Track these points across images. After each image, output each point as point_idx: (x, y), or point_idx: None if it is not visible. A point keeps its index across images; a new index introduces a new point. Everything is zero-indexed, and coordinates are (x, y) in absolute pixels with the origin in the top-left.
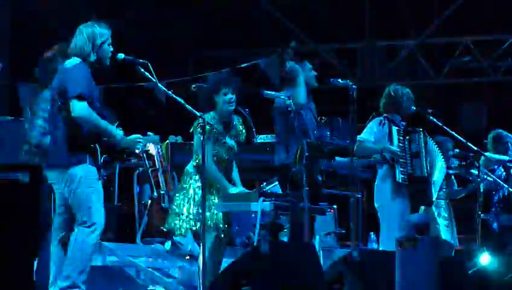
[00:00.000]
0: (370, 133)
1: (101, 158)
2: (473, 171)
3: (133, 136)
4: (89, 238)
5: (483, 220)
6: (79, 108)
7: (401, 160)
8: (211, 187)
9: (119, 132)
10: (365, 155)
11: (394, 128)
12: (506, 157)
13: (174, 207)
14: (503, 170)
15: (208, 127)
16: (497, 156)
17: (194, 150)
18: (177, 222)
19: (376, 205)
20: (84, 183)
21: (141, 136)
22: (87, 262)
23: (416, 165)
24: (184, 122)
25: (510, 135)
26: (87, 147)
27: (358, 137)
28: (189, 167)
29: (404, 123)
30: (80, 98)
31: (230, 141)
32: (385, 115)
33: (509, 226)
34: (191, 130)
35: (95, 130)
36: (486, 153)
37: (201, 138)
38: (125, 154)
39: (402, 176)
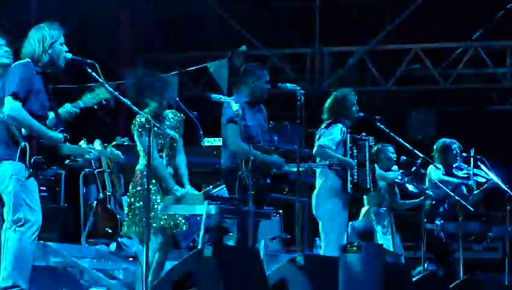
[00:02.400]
0: (332, 140)
1: (31, 158)
2: (423, 186)
3: (84, 147)
4: (25, 237)
5: (429, 229)
6: (10, 107)
7: (351, 171)
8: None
9: (57, 136)
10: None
11: (348, 136)
12: (454, 179)
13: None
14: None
15: (143, 121)
16: (444, 178)
17: (138, 149)
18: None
19: (318, 212)
20: (14, 180)
21: (90, 148)
22: (28, 261)
23: (361, 174)
24: (131, 124)
25: (455, 142)
26: (17, 144)
27: (321, 142)
28: (141, 166)
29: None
30: (14, 96)
31: (171, 131)
32: (340, 121)
33: (455, 234)
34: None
35: (25, 129)
36: (437, 164)
37: (141, 135)
38: (67, 160)
39: (350, 186)
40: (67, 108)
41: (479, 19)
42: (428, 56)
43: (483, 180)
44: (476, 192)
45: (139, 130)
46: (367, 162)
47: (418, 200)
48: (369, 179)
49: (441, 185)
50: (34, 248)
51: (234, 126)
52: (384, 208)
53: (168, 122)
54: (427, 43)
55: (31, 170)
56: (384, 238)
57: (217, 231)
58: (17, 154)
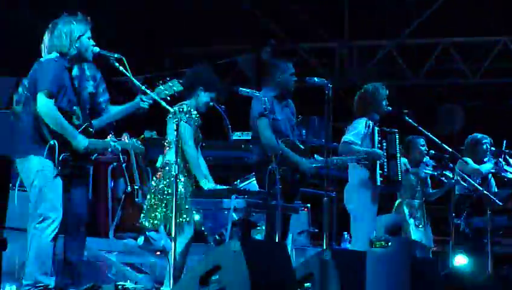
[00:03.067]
0: (357, 135)
1: (59, 156)
2: (447, 173)
3: (107, 140)
4: (44, 234)
5: (457, 224)
6: (43, 103)
7: (380, 162)
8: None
9: (81, 143)
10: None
11: (376, 129)
12: (487, 167)
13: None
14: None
15: (188, 113)
16: (477, 167)
17: (170, 141)
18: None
19: (349, 206)
20: (40, 176)
21: (113, 142)
22: (48, 257)
23: (392, 167)
24: (159, 118)
25: (486, 137)
26: (45, 141)
27: (345, 138)
28: (170, 157)
29: (378, 123)
30: (47, 93)
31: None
32: (366, 115)
33: (484, 228)
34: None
35: (55, 128)
36: (466, 159)
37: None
38: (94, 155)
39: (381, 178)
40: (141, 100)
41: (507, 13)
42: (457, 50)
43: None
44: (501, 190)
45: (180, 118)
46: (398, 155)
47: (446, 187)
48: (400, 172)
49: (468, 178)
50: (54, 244)
51: (266, 120)
52: (417, 200)
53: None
54: (455, 37)
55: (59, 168)
56: (418, 231)
57: (245, 225)
58: (45, 151)
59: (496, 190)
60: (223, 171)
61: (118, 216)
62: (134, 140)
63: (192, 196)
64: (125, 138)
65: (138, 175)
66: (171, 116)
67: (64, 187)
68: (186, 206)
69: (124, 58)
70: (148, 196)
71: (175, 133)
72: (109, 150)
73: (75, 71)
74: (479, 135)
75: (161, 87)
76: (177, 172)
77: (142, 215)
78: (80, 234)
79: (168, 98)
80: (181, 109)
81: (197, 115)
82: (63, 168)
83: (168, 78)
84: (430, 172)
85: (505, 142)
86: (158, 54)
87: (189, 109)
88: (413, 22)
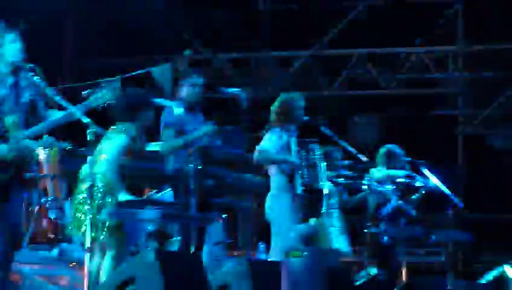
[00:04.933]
0: (270, 143)
1: None
2: (363, 182)
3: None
4: None
5: (371, 233)
6: None
7: (299, 172)
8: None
9: None
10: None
11: (292, 139)
12: (398, 173)
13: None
14: (392, 185)
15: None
16: (388, 172)
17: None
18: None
19: (270, 215)
20: None
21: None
22: None
23: (312, 176)
24: (74, 129)
25: (399, 150)
26: None
27: (259, 147)
28: (85, 171)
29: (296, 133)
30: None
31: None
32: (280, 125)
33: (397, 238)
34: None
35: None
36: (379, 168)
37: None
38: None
39: (301, 187)
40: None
41: (422, 24)
42: (371, 61)
43: (421, 184)
44: (414, 197)
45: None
46: (317, 163)
47: (362, 194)
48: (323, 180)
49: (383, 188)
50: None
51: (170, 131)
52: (336, 210)
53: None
54: (370, 48)
55: None
56: (339, 238)
57: (159, 236)
58: None
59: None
60: (138, 182)
61: (31, 228)
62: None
63: (110, 208)
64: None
65: (53, 187)
66: (93, 129)
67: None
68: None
69: (37, 68)
70: (74, 207)
71: (100, 146)
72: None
73: (11, 80)
74: (392, 146)
75: (95, 95)
76: (96, 185)
77: (69, 225)
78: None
79: (100, 107)
80: (116, 129)
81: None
82: None
83: (99, 88)
84: (345, 182)
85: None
86: (75, 65)
87: (127, 132)
88: (329, 33)
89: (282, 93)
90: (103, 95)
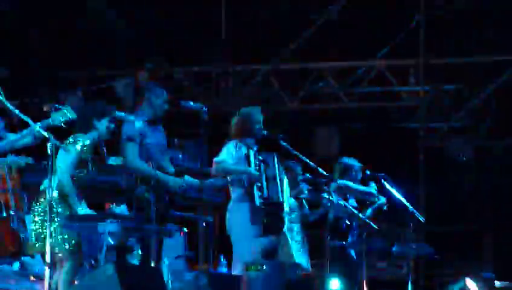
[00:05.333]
0: (227, 154)
1: None
2: (323, 195)
3: None
4: None
5: (332, 246)
6: None
7: (258, 184)
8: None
9: None
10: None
11: (251, 152)
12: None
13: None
14: (354, 200)
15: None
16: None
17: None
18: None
19: (229, 227)
20: None
21: None
22: None
23: (272, 189)
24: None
25: (355, 161)
26: None
27: (216, 159)
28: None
29: (256, 147)
30: None
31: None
32: (238, 138)
33: (359, 251)
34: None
35: None
36: (346, 182)
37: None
38: None
39: (260, 200)
40: (37, 127)
41: (383, 37)
42: (332, 75)
43: (374, 199)
44: (369, 211)
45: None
46: (277, 176)
47: (323, 209)
48: (281, 193)
49: (343, 202)
50: None
51: (133, 145)
52: (297, 224)
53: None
54: (331, 62)
55: None
56: (299, 254)
57: (120, 249)
58: None
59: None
60: (98, 195)
61: None
62: (12, 156)
63: (67, 221)
64: None
65: (14, 200)
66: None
67: None
68: (64, 236)
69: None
70: (33, 220)
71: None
72: None
73: None
74: (348, 160)
75: (56, 113)
76: (51, 198)
77: (33, 240)
78: None
79: (63, 125)
80: (70, 141)
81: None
82: None
83: (59, 106)
84: (306, 196)
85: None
86: (34, 78)
87: (81, 142)
88: (289, 46)
89: (242, 108)
90: (64, 114)
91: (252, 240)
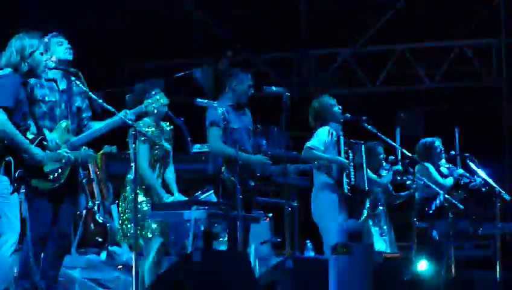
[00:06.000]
0: (319, 141)
1: (15, 173)
2: (408, 177)
3: (58, 152)
4: (2, 250)
5: (420, 228)
6: None
7: (346, 171)
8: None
9: (37, 155)
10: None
11: (341, 139)
12: (449, 182)
13: (123, 217)
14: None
15: (144, 131)
16: (438, 180)
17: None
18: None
19: (318, 216)
20: None
21: (66, 152)
22: (6, 274)
23: (359, 177)
24: (118, 132)
25: (437, 139)
26: (1, 157)
27: (308, 144)
28: (130, 175)
29: (342, 132)
30: (3, 109)
31: (166, 144)
32: (326, 124)
33: (446, 232)
34: (127, 139)
35: (10, 143)
36: (429, 166)
37: (134, 146)
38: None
39: (348, 187)
40: (126, 114)
41: (463, 17)
42: (413, 56)
43: (467, 180)
44: (462, 191)
45: (135, 139)
46: (364, 165)
47: (411, 191)
48: (367, 182)
49: (430, 183)
50: (12, 260)
51: (216, 129)
52: (380, 208)
53: (165, 136)
54: (410, 43)
55: (15, 184)
56: (381, 240)
57: (206, 236)
58: (2, 168)
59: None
60: (184, 184)
61: (79, 232)
62: (86, 148)
63: (153, 209)
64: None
65: (99, 191)
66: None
67: (53, 202)
68: (149, 222)
69: (79, 73)
70: (120, 210)
71: (133, 150)
72: (63, 161)
73: (63, 85)
74: (429, 139)
75: (149, 100)
76: (135, 190)
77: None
78: (61, 248)
79: (155, 110)
80: (130, 131)
81: (155, 131)
82: (19, 185)
83: (153, 92)
84: (391, 178)
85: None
86: (118, 69)
87: (144, 127)
88: (369, 29)
89: (322, 93)
90: (157, 100)
91: (341, 226)
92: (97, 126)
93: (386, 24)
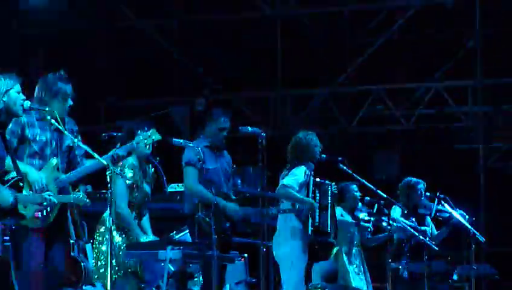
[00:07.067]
0: (296, 181)
1: None
2: (383, 219)
3: (40, 194)
4: None
5: (394, 269)
6: None
7: (313, 214)
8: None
9: (5, 199)
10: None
11: (311, 179)
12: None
13: (100, 256)
14: (414, 219)
15: (128, 171)
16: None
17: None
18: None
19: (277, 254)
20: None
21: (48, 195)
22: None
23: (323, 218)
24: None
25: (420, 181)
26: None
27: (284, 181)
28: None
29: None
30: None
31: (146, 187)
32: (304, 163)
33: (420, 274)
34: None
35: None
36: (397, 209)
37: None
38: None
39: (311, 228)
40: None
41: (440, 58)
42: (390, 97)
43: (447, 215)
44: (439, 231)
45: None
46: (329, 207)
47: (386, 233)
48: (330, 224)
49: (405, 224)
50: None
51: (192, 169)
52: (356, 247)
53: (147, 179)
54: (388, 84)
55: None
56: (358, 278)
57: (181, 276)
58: None
59: (435, 232)
60: (159, 223)
61: None
62: (79, 193)
63: (128, 249)
64: None
65: (73, 229)
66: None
67: (45, 242)
68: (124, 261)
69: (55, 112)
70: (94, 249)
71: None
72: (44, 203)
73: (55, 125)
74: (413, 179)
75: (140, 136)
76: (110, 226)
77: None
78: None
79: (149, 147)
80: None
81: (137, 173)
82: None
83: (146, 128)
84: (367, 218)
85: (439, 192)
86: (96, 107)
87: (128, 169)
88: (346, 70)
89: (300, 132)
90: (148, 136)
91: (304, 268)
92: (88, 164)
93: (365, 64)
